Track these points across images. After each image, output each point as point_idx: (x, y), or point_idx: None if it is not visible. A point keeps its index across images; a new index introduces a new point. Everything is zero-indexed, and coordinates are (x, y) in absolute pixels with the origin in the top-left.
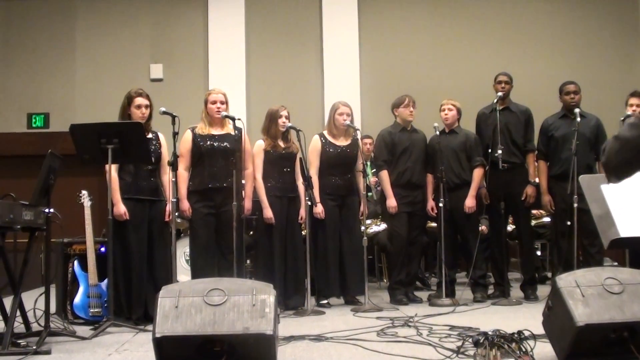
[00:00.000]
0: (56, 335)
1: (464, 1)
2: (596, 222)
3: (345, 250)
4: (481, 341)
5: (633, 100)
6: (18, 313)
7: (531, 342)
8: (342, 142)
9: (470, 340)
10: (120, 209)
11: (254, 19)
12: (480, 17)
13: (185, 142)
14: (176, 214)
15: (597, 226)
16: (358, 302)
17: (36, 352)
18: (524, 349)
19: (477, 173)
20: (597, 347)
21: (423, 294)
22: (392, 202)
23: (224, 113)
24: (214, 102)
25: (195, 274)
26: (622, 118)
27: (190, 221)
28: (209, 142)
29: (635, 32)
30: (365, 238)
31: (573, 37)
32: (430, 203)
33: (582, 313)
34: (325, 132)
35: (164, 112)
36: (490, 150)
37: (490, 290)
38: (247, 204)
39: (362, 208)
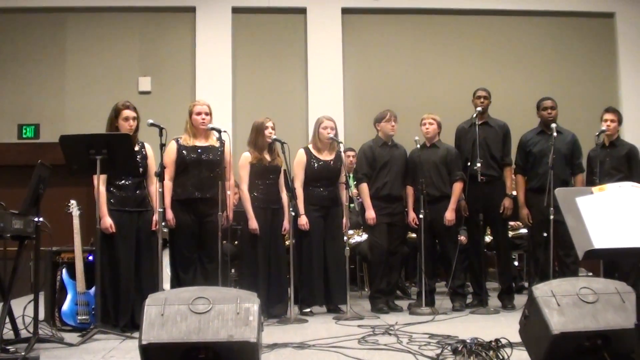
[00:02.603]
0: (44, 342)
1: (444, 19)
2: (571, 234)
3: (329, 260)
4: (459, 349)
5: (607, 116)
6: (7, 320)
7: (508, 350)
8: (327, 156)
9: (449, 348)
10: (107, 222)
11: (240, 33)
12: (460, 35)
13: (170, 152)
14: (163, 223)
15: (572, 237)
16: (340, 310)
17: (25, 359)
18: (501, 357)
19: (457, 187)
20: (571, 355)
21: (403, 303)
22: (370, 214)
23: (210, 125)
24: (199, 113)
25: (176, 283)
26: (597, 133)
27: (172, 230)
28: (193, 154)
29: (611, 50)
30: (347, 248)
31: (550, 55)
32: (411, 215)
33: (558, 322)
34: (310, 146)
35: (152, 124)
36: (469, 164)
37: (469, 300)
38: (230, 215)
39: (344, 219)
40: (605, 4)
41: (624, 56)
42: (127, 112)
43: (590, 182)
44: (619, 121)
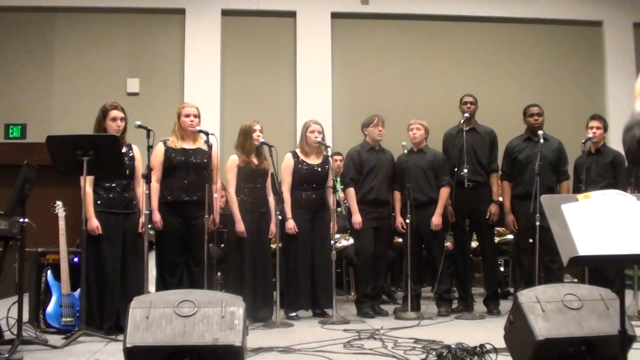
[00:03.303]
0: (28, 344)
1: (433, 25)
2: (556, 240)
3: (316, 263)
4: (444, 354)
5: (593, 123)
6: None
7: (493, 356)
8: (314, 160)
9: (434, 353)
10: (93, 223)
11: (229, 36)
12: (448, 41)
13: (157, 154)
14: (149, 225)
15: (557, 244)
16: (326, 314)
17: None
18: None
19: (444, 192)
20: None
21: (389, 308)
22: (357, 218)
23: (198, 128)
24: (188, 115)
25: (162, 286)
26: (584, 140)
27: (159, 232)
28: (180, 156)
29: (598, 58)
30: (333, 252)
31: (538, 62)
32: (399, 219)
33: (542, 327)
34: (298, 150)
35: (139, 126)
36: (456, 169)
37: (455, 305)
38: (217, 218)
39: (331, 223)
40: (593, 13)
41: (611, 64)
42: (114, 113)
43: (577, 189)
44: (605, 128)
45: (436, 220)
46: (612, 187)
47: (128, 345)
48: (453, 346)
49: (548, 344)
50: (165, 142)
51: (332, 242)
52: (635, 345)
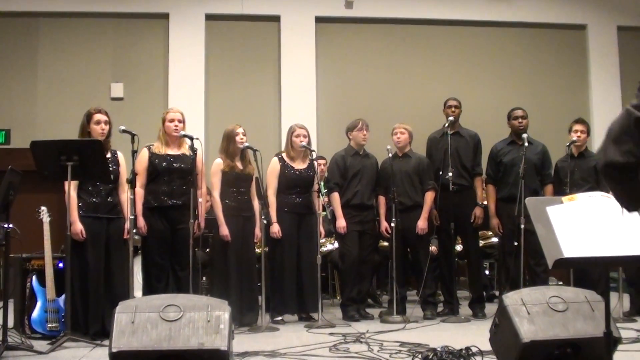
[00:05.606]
0: (14, 350)
1: (417, 29)
2: (541, 243)
3: (302, 267)
4: (430, 357)
5: (577, 127)
6: None
7: (479, 358)
8: (300, 164)
9: (420, 356)
10: (77, 228)
11: (214, 40)
12: (432, 45)
13: (142, 160)
14: (134, 230)
15: (542, 246)
16: (312, 318)
17: None
18: None
19: (429, 196)
20: None
21: (374, 311)
22: (341, 223)
23: (182, 132)
24: (172, 120)
25: (148, 291)
26: (568, 144)
27: (145, 238)
28: (165, 162)
29: (581, 61)
30: (319, 256)
31: (522, 65)
32: (384, 224)
33: (528, 330)
34: (284, 155)
35: (124, 131)
36: (440, 173)
37: (440, 308)
38: (202, 223)
39: (319, 227)
40: (577, 16)
41: (595, 67)
42: (98, 116)
43: (560, 191)
44: (588, 132)
45: (422, 224)
46: (595, 191)
47: (114, 350)
48: (439, 349)
49: (533, 346)
50: (149, 148)
51: (317, 246)
52: (620, 347)
